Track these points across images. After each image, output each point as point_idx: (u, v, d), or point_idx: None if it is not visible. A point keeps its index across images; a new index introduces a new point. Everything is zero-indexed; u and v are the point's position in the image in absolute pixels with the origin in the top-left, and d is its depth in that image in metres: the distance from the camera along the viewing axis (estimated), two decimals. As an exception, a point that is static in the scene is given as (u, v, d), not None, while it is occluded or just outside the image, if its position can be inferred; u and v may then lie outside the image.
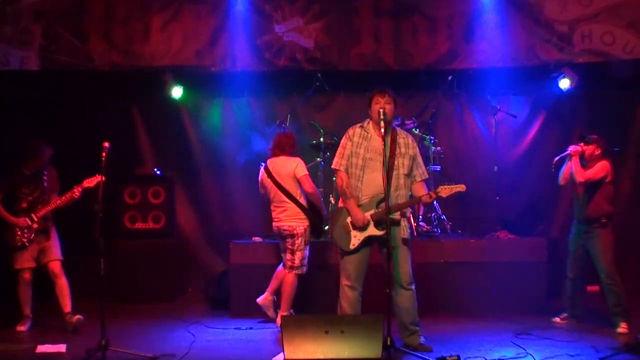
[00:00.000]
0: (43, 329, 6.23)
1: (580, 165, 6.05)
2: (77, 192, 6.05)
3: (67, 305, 6.16)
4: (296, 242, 6.20)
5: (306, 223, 6.25)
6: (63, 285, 6.19)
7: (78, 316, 6.11)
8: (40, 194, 6.27)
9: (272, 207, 6.39)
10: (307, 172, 6.26)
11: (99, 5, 7.80)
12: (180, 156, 8.63)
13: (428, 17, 7.77)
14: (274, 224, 6.35)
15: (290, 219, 6.23)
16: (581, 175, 5.99)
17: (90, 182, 6.03)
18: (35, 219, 6.18)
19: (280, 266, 6.44)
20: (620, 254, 6.24)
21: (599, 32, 7.51)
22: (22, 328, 6.24)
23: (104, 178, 5.97)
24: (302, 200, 6.27)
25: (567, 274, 6.28)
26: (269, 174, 6.33)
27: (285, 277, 6.25)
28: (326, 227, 6.76)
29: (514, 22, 7.65)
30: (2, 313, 6.52)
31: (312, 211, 6.30)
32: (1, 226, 6.20)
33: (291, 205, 6.23)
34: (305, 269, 6.28)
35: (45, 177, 6.30)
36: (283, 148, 6.39)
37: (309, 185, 6.21)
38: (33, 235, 6.19)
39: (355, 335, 4.51)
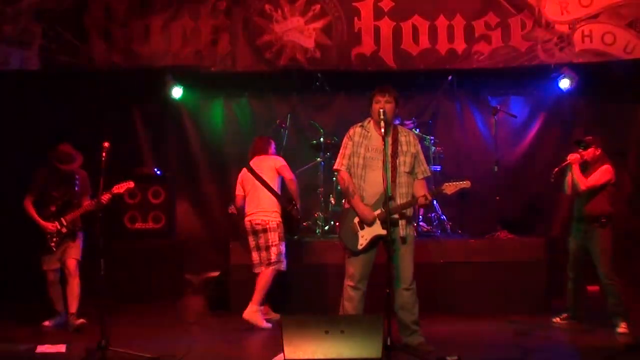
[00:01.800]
0: (43, 329, 6.22)
1: (581, 171, 6.00)
2: (104, 198, 5.94)
3: (73, 306, 6.16)
4: (270, 237, 6.25)
5: (279, 219, 6.33)
6: (74, 285, 6.17)
7: (82, 320, 6.11)
8: (71, 198, 6.23)
9: (246, 204, 6.47)
10: (285, 164, 6.45)
11: (99, 5, 7.82)
12: (180, 156, 8.63)
13: (428, 17, 7.79)
14: (246, 219, 6.41)
15: (264, 213, 6.30)
16: (583, 184, 5.93)
17: (120, 188, 6.01)
18: (65, 223, 6.17)
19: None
20: (620, 253, 6.24)
21: (599, 32, 7.53)
22: (48, 323, 6.28)
23: (132, 184, 6.10)
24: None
25: (568, 274, 6.26)
26: (251, 171, 6.45)
27: (263, 271, 6.27)
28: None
29: (514, 22, 7.66)
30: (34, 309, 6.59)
31: (289, 203, 6.44)
32: (31, 228, 6.20)
33: (267, 195, 6.33)
34: (283, 265, 6.31)
35: (77, 181, 6.25)
36: (260, 150, 6.60)
37: (288, 173, 6.41)
38: (61, 239, 6.19)
39: (355, 335, 4.51)
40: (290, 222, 6.48)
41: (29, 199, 6.21)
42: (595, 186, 5.93)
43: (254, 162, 6.52)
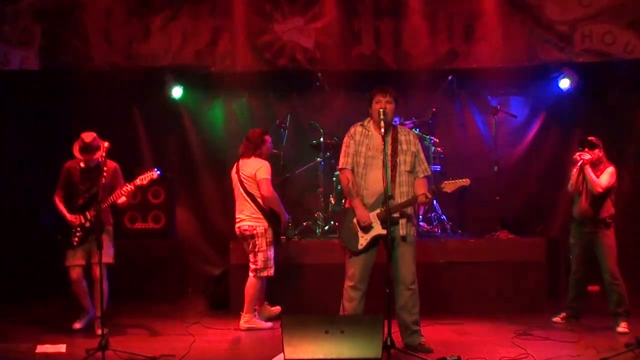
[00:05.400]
0: (43, 329, 6.22)
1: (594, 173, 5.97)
2: (127, 190, 5.80)
3: (99, 309, 5.73)
4: (257, 242, 6.13)
5: (266, 224, 6.17)
6: (97, 289, 5.75)
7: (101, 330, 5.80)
8: (98, 191, 5.77)
9: (235, 208, 6.34)
10: (267, 177, 6.15)
11: (99, 5, 7.82)
12: (180, 156, 8.63)
13: (428, 17, 7.79)
14: (235, 225, 6.29)
15: (250, 218, 6.18)
16: (599, 186, 5.89)
17: (143, 180, 5.81)
18: (89, 217, 5.92)
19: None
20: (619, 253, 6.24)
21: (600, 32, 7.54)
22: (78, 325, 6.09)
23: (157, 175, 5.85)
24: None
25: (573, 277, 6.23)
26: (237, 171, 6.31)
27: (248, 279, 6.18)
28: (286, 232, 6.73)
29: (514, 22, 7.66)
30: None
31: (272, 215, 6.22)
32: (61, 223, 6.01)
33: (250, 204, 6.18)
34: (271, 270, 6.18)
35: (104, 174, 5.72)
36: (248, 148, 6.33)
37: (265, 189, 6.11)
38: (85, 234, 5.94)
39: (355, 335, 4.51)
40: (273, 232, 6.25)
41: (58, 194, 6.03)
42: (608, 187, 5.92)
43: (242, 165, 6.29)
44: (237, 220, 6.29)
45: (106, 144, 5.37)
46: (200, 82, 8.36)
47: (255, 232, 6.15)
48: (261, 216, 6.18)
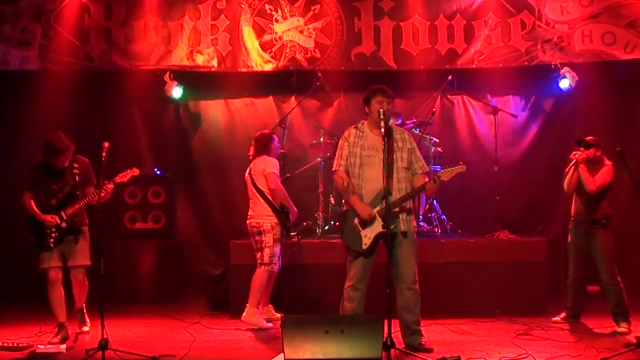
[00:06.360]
0: (42, 329, 6.21)
1: (589, 172, 6.00)
2: (108, 188, 5.61)
3: (81, 300, 5.95)
4: (263, 238, 6.25)
5: (274, 220, 6.30)
6: (79, 289, 5.90)
7: (87, 329, 5.96)
8: (71, 189, 5.72)
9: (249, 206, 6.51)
10: (274, 171, 6.32)
11: (99, 5, 7.83)
12: (180, 156, 8.62)
13: (428, 17, 7.81)
14: (246, 221, 6.44)
15: (258, 215, 6.33)
16: (593, 184, 5.91)
17: (124, 177, 5.69)
18: (65, 217, 5.68)
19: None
20: (619, 253, 6.24)
21: (599, 32, 7.55)
22: (55, 340, 5.63)
23: (138, 172, 5.75)
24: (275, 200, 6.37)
25: (571, 276, 6.24)
26: (250, 172, 6.48)
27: (256, 271, 6.28)
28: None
29: (514, 22, 7.67)
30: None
31: (281, 210, 6.36)
32: (33, 224, 5.73)
33: (260, 201, 6.33)
34: (276, 266, 6.31)
35: (76, 171, 5.71)
36: (257, 148, 6.49)
37: (272, 182, 6.28)
38: (61, 235, 5.70)
39: (355, 335, 4.51)
40: (282, 226, 6.38)
41: (27, 194, 5.73)
42: (603, 186, 5.93)
43: (253, 164, 6.48)
44: (248, 217, 6.44)
45: (106, 144, 5.35)
46: (200, 82, 8.36)
47: (262, 228, 6.28)
48: (270, 213, 6.31)
